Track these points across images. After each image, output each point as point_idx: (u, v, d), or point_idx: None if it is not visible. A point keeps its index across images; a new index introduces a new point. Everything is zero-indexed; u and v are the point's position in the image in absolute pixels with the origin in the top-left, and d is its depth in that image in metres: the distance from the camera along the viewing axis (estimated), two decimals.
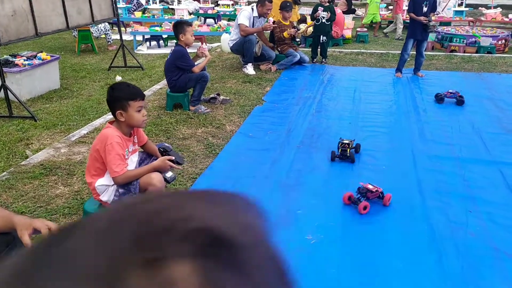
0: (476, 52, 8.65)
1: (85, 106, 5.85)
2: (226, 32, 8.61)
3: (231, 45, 6.93)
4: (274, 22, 6.95)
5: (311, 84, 6.29)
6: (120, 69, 8.00)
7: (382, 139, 4.46)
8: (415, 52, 6.74)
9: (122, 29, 12.22)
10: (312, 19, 7.37)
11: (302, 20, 8.85)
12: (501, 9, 11.96)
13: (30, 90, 6.39)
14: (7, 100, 5.41)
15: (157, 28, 10.18)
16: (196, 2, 13.15)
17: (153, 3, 11.53)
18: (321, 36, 7.28)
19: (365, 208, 3.07)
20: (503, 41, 9.05)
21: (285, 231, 2.89)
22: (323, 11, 7.11)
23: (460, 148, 4.22)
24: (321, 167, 3.82)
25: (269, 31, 7.13)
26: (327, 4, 7.21)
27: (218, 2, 13.06)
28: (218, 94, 5.48)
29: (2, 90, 5.39)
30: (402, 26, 10.41)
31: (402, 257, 2.66)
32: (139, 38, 10.44)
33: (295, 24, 7.35)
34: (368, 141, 4.36)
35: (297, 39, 7.59)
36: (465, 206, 3.22)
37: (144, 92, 6.08)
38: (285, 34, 7.04)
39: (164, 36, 10.42)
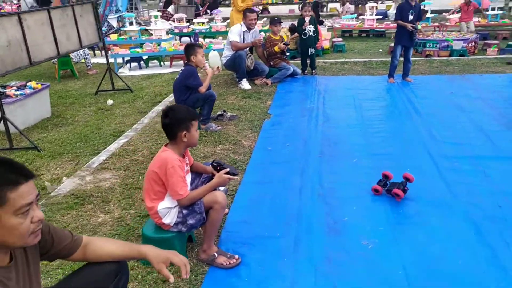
0: (450, 56, 9.07)
1: (86, 133, 5.75)
2: (213, 50, 8.62)
3: (224, 62, 7.00)
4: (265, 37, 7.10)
5: (310, 95, 6.44)
6: (107, 92, 7.91)
7: (396, 143, 4.63)
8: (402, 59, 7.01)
9: (97, 52, 12.15)
10: (300, 33, 7.55)
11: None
12: None
13: (24, 120, 6.24)
14: (7, 132, 5.26)
15: (138, 50, 10.11)
16: (168, 22, 13.14)
17: (129, 25, 11.45)
18: (309, 49, 7.46)
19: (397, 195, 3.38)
20: (473, 43, 9.54)
21: (340, 239, 2.96)
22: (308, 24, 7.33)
23: (470, 146, 4.44)
24: (348, 174, 3.93)
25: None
26: (309, 17, 7.43)
27: (193, 21, 13.12)
28: (225, 111, 5.52)
29: (1, 122, 5.24)
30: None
31: (457, 253, 2.78)
32: (119, 60, 10.33)
33: (284, 39, 7.51)
34: (383, 146, 4.52)
35: (287, 53, 7.74)
36: (495, 201, 3.39)
37: (147, 114, 6.11)
38: (276, 48, 7.18)
39: (145, 57, 10.37)
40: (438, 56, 9.19)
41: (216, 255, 2.71)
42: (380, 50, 10.29)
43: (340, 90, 6.63)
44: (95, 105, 7.22)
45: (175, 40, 11.11)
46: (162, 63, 10.54)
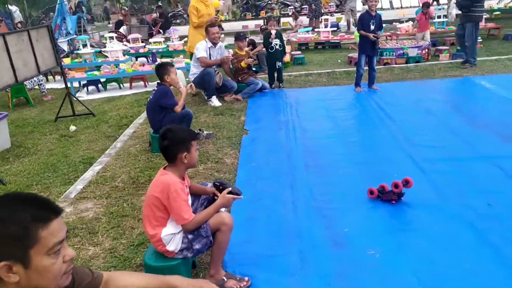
0: (406, 63, 9.41)
1: (52, 162, 5.46)
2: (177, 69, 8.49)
3: (192, 79, 6.89)
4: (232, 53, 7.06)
5: (282, 108, 6.44)
6: (67, 118, 7.57)
7: (377, 150, 4.68)
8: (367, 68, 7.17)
9: (50, 77, 11.68)
10: (267, 46, 7.56)
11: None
12: (412, 22, 13.14)
13: None
14: None
15: (95, 72, 9.80)
16: (122, 43, 12.85)
17: (83, 47, 11.09)
18: (277, 62, 7.50)
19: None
20: (426, 50, 9.95)
21: (345, 251, 2.92)
22: (275, 38, 7.37)
23: (448, 149, 4.56)
24: (337, 184, 3.91)
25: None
26: (275, 31, 7.48)
27: (150, 40, 12.91)
28: (201, 130, 5.40)
29: None
30: None
31: (462, 255, 2.81)
32: (75, 84, 9.97)
33: (251, 54, 7.50)
34: (364, 155, 4.56)
35: (253, 68, 7.73)
36: (483, 200, 3.47)
37: (119, 138, 5.86)
38: (243, 64, 7.16)
39: (103, 80, 10.05)
40: (396, 63, 9.50)
41: (225, 279, 2.59)
42: (339, 60, 10.52)
43: (311, 102, 6.67)
44: (56, 132, 6.89)
45: (132, 61, 10.88)
46: (121, 85, 10.26)
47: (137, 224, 3.42)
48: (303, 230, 3.20)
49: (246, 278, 2.63)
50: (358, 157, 4.50)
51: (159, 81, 5.06)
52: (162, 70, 4.96)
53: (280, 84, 7.73)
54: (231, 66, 7.44)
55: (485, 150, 4.45)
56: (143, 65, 10.09)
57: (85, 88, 9.94)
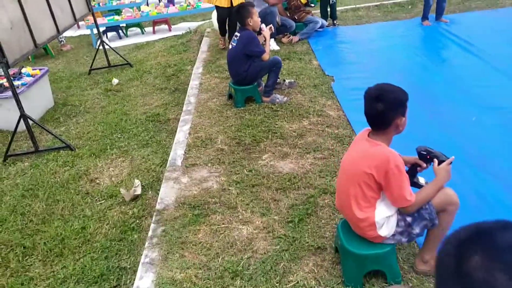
0: None
1: (114, 121, 4.98)
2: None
3: None
4: None
5: (354, 49, 5.85)
6: (101, 70, 6.91)
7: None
8: None
9: None
10: None
11: None
12: None
13: (31, 114, 5.27)
14: (30, 132, 4.36)
15: (116, 17, 8.92)
16: None
17: None
18: None
19: None
20: None
21: None
22: None
23: None
24: None
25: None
26: None
27: None
28: (281, 79, 4.83)
29: (21, 121, 4.31)
30: None
31: None
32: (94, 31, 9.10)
33: None
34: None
35: (312, 4, 7.00)
36: None
37: (189, 91, 5.27)
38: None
39: (122, 25, 9.19)
40: None
41: None
42: None
43: (382, 40, 6.08)
44: (97, 87, 6.29)
45: (147, 2, 9.95)
46: (143, 30, 9.42)
47: (278, 196, 2.98)
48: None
49: None
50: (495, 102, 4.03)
51: (240, 25, 4.42)
52: (243, 13, 4.32)
53: (335, 21, 7.05)
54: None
55: None
56: (167, 6, 9.20)
57: (105, 36, 9.10)
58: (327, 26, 6.92)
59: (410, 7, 7.71)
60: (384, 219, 2.09)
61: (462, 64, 4.96)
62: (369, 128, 2.16)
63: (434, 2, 6.44)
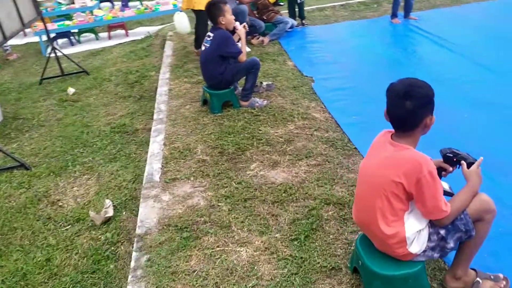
0: None
1: (74, 134, 4.54)
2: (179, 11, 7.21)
3: None
4: None
5: (328, 49, 5.63)
6: (54, 80, 6.36)
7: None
8: None
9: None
10: None
11: None
12: None
13: None
14: None
15: (67, 22, 8.30)
16: None
17: None
18: None
19: None
20: None
21: None
22: None
23: None
24: None
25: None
26: None
27: None
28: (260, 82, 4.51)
29: None
30: None
31: None
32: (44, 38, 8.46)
33: None
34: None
35: (281, 3, 6.73)
36: None
37: (158, 98, 4.82)
38: None
39: (74, 30, 8.57)
40: None
41: (480, 281, 1.94)
42: None
43: (353, 39, 5.93)
44: (51, 97, 5.77)
45: (99, 6, 9.37)
46: (97, 35, 8.84)
47: (275, 210, 2.65)
48: None
49: (501, 275, 1.99)
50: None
51: (212, 25, 4.07)
52: (215, 10, 3.97)
53: (303, 21, 6.82)
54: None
55: None
56: (123, 10, 8.66)
57: (55, 42, 8.46)
58: (296, 26, 6.68)
59: (376, 5, 7.62)
60: (415, 234, 1.81)
61: (441, 60, 4.86)
62: (389, 130, 1.88)
63: (402, 0, 6.37)
